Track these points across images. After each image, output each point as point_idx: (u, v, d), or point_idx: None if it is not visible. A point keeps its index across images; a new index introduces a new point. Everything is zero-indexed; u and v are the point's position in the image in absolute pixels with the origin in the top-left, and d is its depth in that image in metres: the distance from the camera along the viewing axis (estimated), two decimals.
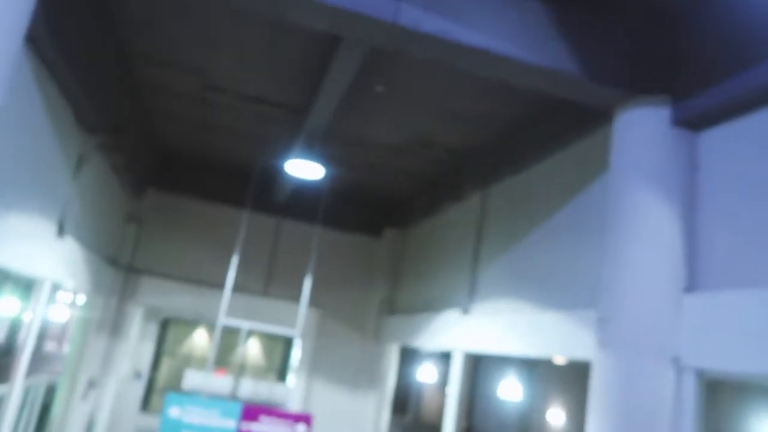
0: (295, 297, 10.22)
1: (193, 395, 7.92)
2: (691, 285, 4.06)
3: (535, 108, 6.63)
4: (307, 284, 8.73)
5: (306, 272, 8.99)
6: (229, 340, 18.71)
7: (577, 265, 5.30)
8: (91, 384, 9.10)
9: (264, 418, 7.72)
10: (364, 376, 10.47)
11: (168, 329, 18.65)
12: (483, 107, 6.86)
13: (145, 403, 16.58)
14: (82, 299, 9.40)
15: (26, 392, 14.04)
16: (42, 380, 15.35)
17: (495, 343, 6.25)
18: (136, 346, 16.45)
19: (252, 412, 7.76)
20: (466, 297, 7.34)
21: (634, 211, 4.32)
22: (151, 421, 15.64)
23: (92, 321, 9.23)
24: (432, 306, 8.50)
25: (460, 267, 7.92)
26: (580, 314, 4.79)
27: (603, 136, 5.38)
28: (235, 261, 8.73)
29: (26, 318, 5.98)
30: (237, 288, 9.02)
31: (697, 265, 4.08)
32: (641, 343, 3.93)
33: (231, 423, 7.59)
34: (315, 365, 10.35)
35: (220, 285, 9.70)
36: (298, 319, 8.34)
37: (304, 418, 7.88)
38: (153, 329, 16.88)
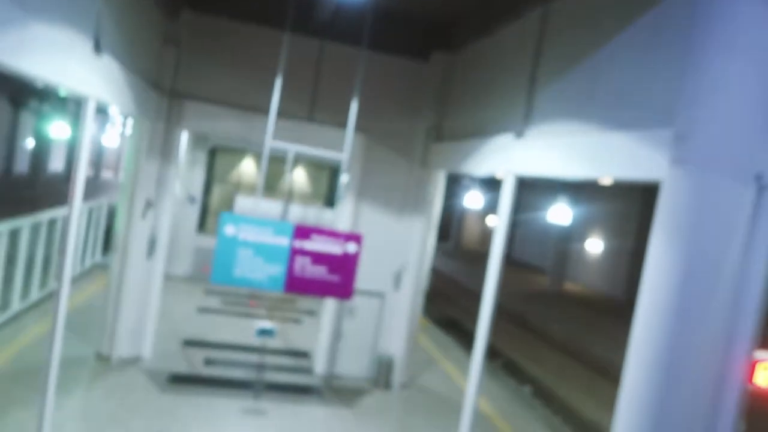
0: (341, 123, 10.00)
1: (246, 216, 8.20)
2: None
3: None
4: (354, 107, 8.48)
5: (351, 97, 8.66)
6: (276, 168, 19.03)
7: (651, 83, 4.83)
8: (148, 204, 9.49)
9: (316, 237, 7.97)
10: (411, 202, 10.60)
11: (216, 157, 19.13)
12: None
13: (201, 225, 17.61)
14: (129, 126, 9.45)
15: (90, 213, 14.97)
16: (103, 202, 16.28)
17: (552, 166, 6.04)
18: (188, 172, 17.01)
19: (304, 231, 8.01)
20: (521, 120, 6.99)
21: (732, 17, 3.76)
22: (207, 240, 16.71)
23: (142, 145, 9.36)
24: (482, 131, 8.21)
25: (514, 90, 7.45)
26: (651, 133, 4.45)
27: None
28: (278, 84, 8.45)
29: (79, 141, 6.01)
30: (281, 113, 8.82)
31: None
32: (722, 160, 3.65)
33: (284, 241, 7.89)
34: (362, 190, 10.47)
35: (264, 110, 9.51)
36: (345, 143, 8.23)
37: (355, 237, 8.12)
38: (202, 157, 17.31)
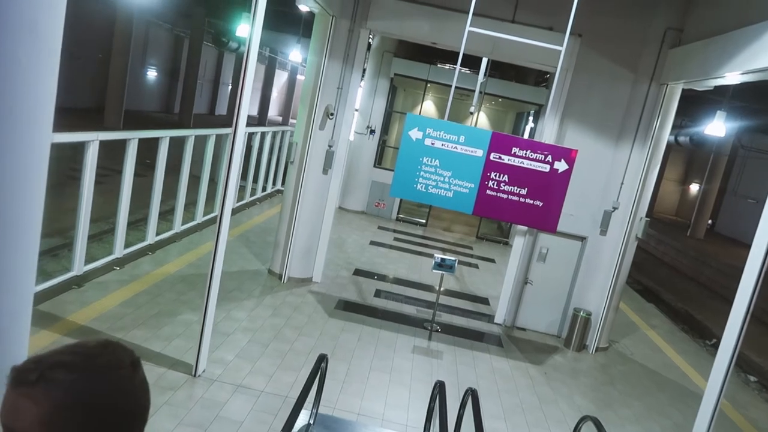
0: (549, 24, 8.25)
1: (435, 119, 6.94)
2: None
3: None
4: (573, 5, 6.61)
5: None
6: (459, 107, 17.57)
7: None
8: (327, 113, 8.66)
9: (518, 150, 6.44)
10: (631, 126, 8.52)
11: (397, 90, 18.25)
12: None
13: (379, 160, 16.94)
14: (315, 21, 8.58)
15: (273, 138, 14.97)
16: (287, 129, 16.28)
17: None
18: (367, 101, 16.31)
19: (504, 141, 6.50)
20: None
21: None
22: (384, 175, 15.98)
23: (324, 46, 8.46)
24: (763, 14, 5.92)
25: None
26: None
27: None
28: None
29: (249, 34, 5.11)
30: (479, 11, 7.28)
31: None
32: None
33: (478, 152, 6.47)
34: (569, 109, 8.60)
35: (457, 7, 8.10)
36: (565, 41, 6.42)
37: (567, 153, 6.44)
38: (384, 86, 16.46)
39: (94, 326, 6.29)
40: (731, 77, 6.75)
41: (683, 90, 8.41)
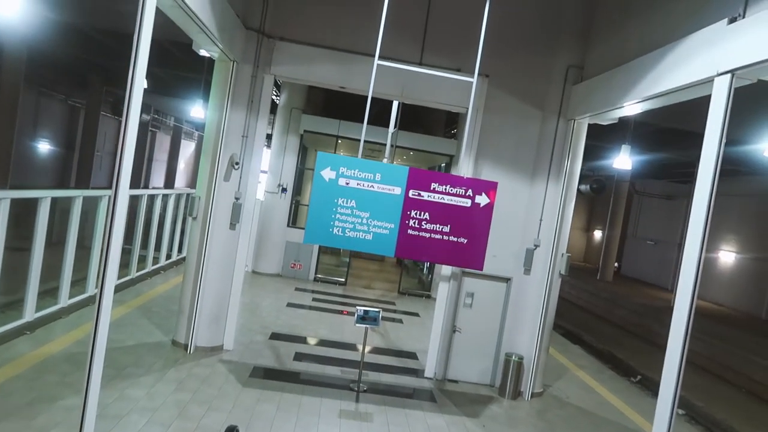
0: (457, 65, 8.23)
1: (349, 157, 6.52)
2: None
3: None
4: (481, 38, 6.62)
5: (470, 33, 6.84)
6: (372, 158, 17.31)
7: None
8: (233, 162, 8.05)
9: (437, 185, 6.12)
10: (543, 163, 8.53)
11: (309, 151, 17.91)
12: None
13: (293, 219, 16.29)
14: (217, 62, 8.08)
15: (177, 198, 14.03)
16: (192, 192, 15.34)
17: None
18: (277, 159, 15.80)
19: (422, 177, 6.17)
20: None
21: None
22: (298, 234, 15.33)
23: (227, 92, 7.96)
24: (659, 42, 6.09)
25: None
26: None
27: None
28: (383, 18, 6.73)
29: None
30: (386, 54, 7.13)
31: None
32: None
33: (396, 190, 6.09)
34: (482, 149, 8.52)
35: (364, 51, 7.94)
36: (474, 77, 6.31)
37: (487, 186, 6.19)
38: (293, 143, 16.05)
39: None
40: (631, 107, 6.89)
41: None
